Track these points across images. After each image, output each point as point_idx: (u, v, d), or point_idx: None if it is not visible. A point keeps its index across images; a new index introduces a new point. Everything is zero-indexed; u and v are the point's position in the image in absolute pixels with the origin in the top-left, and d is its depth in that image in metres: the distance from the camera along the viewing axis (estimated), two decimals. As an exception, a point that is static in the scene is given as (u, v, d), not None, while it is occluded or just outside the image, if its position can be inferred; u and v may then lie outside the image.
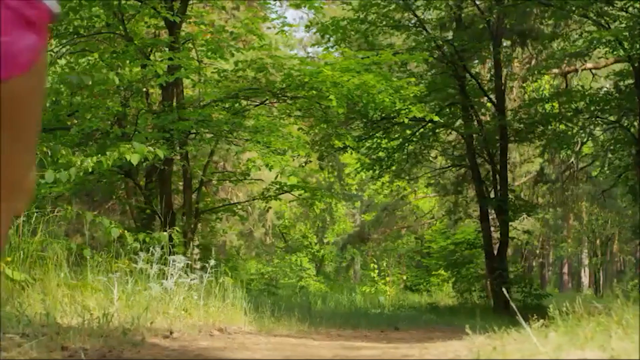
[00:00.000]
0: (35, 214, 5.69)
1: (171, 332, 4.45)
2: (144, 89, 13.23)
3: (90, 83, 9.62)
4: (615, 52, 14.95)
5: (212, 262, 5.78)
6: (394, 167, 19.41)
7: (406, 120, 13.57)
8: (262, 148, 13.12)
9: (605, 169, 21.90)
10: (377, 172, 18.99)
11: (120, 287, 5.09)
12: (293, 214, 33.73)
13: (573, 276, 48.66)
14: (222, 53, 12.33)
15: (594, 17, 15.31)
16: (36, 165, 6.30)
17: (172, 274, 5.21)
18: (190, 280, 5.37)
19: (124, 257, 5.87)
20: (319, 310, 6.17)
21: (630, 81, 17.15)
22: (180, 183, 15.04)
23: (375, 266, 24.99)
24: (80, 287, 5.05)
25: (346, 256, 35.95)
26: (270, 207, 17.53)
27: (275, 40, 16.93)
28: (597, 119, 17.25)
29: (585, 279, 47.00)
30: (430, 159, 20.88)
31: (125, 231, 6.17)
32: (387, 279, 24.65)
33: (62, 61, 13.90)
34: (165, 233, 6.51)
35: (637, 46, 13.53)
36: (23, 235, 5.43)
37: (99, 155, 6.59)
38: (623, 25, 14.15)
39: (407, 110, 13.22)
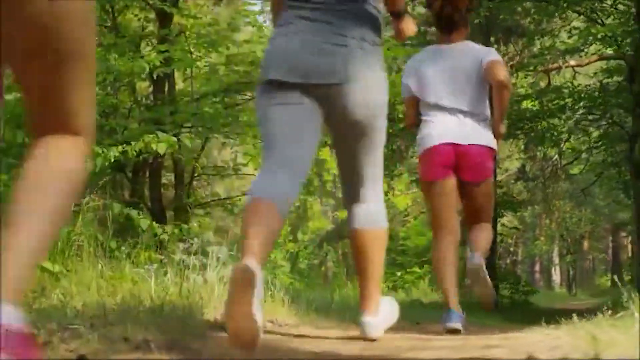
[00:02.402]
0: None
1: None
2: (136, 81, 13.06)
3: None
4: (608, 49, 14.98)
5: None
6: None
7: (401, 115, 13.51)
8: (258, 142, 13.00)
9: (587, 166, 22.00)
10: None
11: (157, 279, 4.95)
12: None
13: (544, 274, 48.97)
14: (219, 45, 12.15)
15: (588, 13, 15.36)
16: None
17: (210, 265, 5.07)
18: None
19: (152, 249, 5.74)
20: (319, 305, 6.07)
21: (619, 78, 17.22)
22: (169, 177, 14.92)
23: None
24: (119, 278, 4.91)
25: (321, 254, 35.87)
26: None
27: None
28: (590, 115, 17.28)
29: (556, 277, 47.33)
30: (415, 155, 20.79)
31: (154, 222, 6.04)
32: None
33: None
34: (195, 224, 6.39)
35: (629, 42, 13.52)
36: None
37: (124, 144, 6.46)
38: (616, 21, 14.18)
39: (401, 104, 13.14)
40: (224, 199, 15.24)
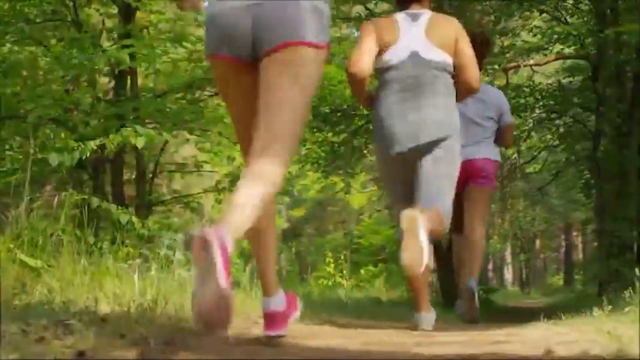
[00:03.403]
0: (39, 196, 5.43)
1: (218, 320, 4.23)
2: (97, 77, 12.90)
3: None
4: (572, 47, 15.06)
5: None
6: (336, 162, 19.19)
7: (366, 112, 13.52)
8: (224, 139, 12.93)
9: (545, 165, 22.14)
10: (322, 166, 18.71)
11: (142, 274, 4.85)
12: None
13: (496, 272, 49.22)
14: (184, 41, 12.01)
15: (551, 12, 15.43)
16: (37, 148, 5.99)
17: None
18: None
19: (131, 244, 5.63)
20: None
21: (579, 77, 17.34)
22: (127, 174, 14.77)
23: (331, 260, 24.80)
24: (101, 274, 4.79)
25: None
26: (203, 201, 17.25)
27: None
28: (553, 113, 17.38)
29: (508, 276, 47.58)
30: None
31: (133, 217, 5.93)
32: (344, 272, 24.47)
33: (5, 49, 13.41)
34: (176, 220, 6.30)
35: (593, 41, 13.61)
36: (29, 220, 5.15)
37: (102, 138, 6.35)
38: (579, 20, 14.27)
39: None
40: (186, 195, 15.13)
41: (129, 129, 6.76)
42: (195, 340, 3.64)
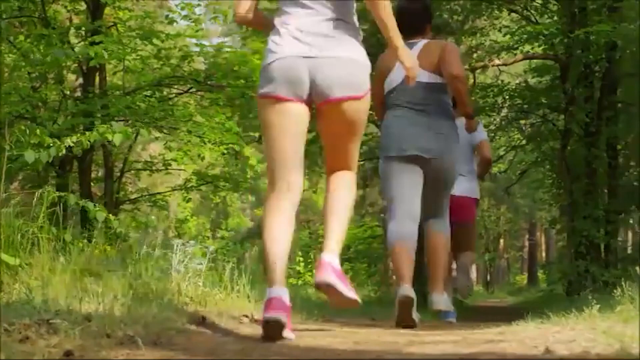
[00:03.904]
0: (14, 193, 5.34)
1: (204, 319, 4.18)
2: (65, 73, 12.76)
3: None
4: (541, 47, 15.08)
5: (212, 248, 5.52)
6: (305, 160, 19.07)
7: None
8: (193, 137, 12.84)
9: (511, 165, 22.20)
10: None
11: (122, 272, 4.78)
12: (191, 208, 33.21)
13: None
14: (155, 37, 11.88)
15: (521, 12, 15.47)
16: (13, 144, 5.88)
17: (180, 260, 4.92)
18: (197, 264, 5.09)
19: (106, 243, 5.55)
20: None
21: (547, 77, 17.39)
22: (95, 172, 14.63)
23: (301, 259, 24.81)
24: (81, 272, 4.71)
25: (240, 251, 35.67)
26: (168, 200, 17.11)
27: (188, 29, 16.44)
28: (522, 112, 17.43)
29: (472, 275, 47.61)
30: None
31: (110, 214, 5.84)
32: (314, 271, 24.47)
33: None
34: (153, 218, 6.21)
35: (561, 41, 13.64)
36: (6, 217, 5.06)
37: (78, 135, 6.26)
38: (549, 20, 14.29)
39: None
40: (154, 194, 15.02)
41: (105, 125, 6.68)
42: (183, 339, 3.59)
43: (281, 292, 3.75)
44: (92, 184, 13.44)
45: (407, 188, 6.17)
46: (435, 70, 6.18)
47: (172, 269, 4.90)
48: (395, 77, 6.22)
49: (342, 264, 3.99)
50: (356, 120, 4.10)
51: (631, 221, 18.56)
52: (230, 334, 3.95)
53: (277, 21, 4.14)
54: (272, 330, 3.65)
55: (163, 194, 14.89)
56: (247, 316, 4.63)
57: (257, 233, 36.07)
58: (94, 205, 5.82)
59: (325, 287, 3.91)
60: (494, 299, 31.77)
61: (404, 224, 6.06)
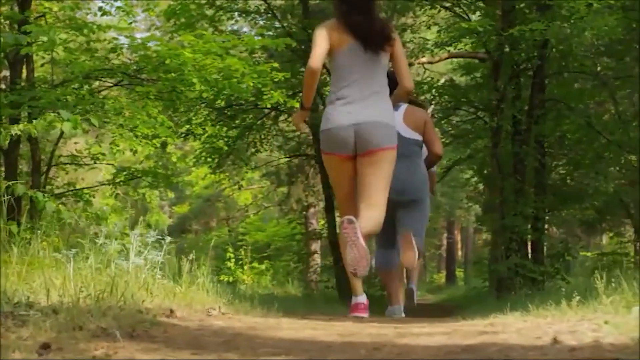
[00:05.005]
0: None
1: (172, 311, 4.04)
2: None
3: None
4: (473, 45, 15.16)
5: (168, 239, 5.38)
6: (231, 157, 18.92)
7: (269, 105, 13.46)
8: (125, 131, 12.61)
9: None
10: (215, 161, 18.42)
11: (76, 264, 4.60)
12: (110, 204, 32.72)
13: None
14: (88, 30, 11.59)
15: (453, 9, 15.56)
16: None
17: (138, 251, 4.76)
18: (156, 257, 4.93)
19: (55, 234, 5.35)
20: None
21: (477, 74, 17.51)
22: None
23: (232, 255, 24.59)
24: (37, 264, 4.52)
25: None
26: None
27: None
28: (456, 110, 17.51)
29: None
30: (271, 147, 20.51)
31: (60, 205, 5.64)
32: (246, 267, 24.27)
33: None
34: (105, 209, 6.01)
35: (494, 39, 13.70)
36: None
37: (25, 123, 6.03)
38: (481, 18, 14.35)
39: (269, 96, 13.02)
40: (81, 188, 14.69)
41: (52, 114, 6.48)
42: (159, 332, 3.45)
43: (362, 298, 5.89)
44: (17, 177, 13.09)
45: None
46: (418, 131, 7.51)
47: (130, 260, 4.73)
48: None
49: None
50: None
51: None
52: (205, 326, 3.82)
53: (332, 94, 6.05)
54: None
55: (91, 188, 14.60)
56: (214, 309, 4.51)
57: (179, 230, 35.80)
58: (43, 195, 5.63)
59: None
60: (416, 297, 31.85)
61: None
